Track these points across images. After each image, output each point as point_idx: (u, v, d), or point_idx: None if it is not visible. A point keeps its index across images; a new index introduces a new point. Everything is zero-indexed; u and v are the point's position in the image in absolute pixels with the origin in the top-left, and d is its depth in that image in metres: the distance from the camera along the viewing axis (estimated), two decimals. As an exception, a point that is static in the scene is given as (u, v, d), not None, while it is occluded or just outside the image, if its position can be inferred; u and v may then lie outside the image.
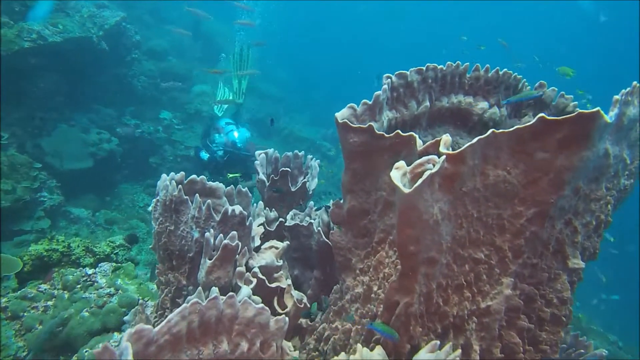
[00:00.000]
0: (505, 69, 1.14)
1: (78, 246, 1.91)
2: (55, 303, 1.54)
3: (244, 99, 3.98)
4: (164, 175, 1.19)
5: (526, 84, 1.18)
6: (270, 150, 1.53)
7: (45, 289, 1.61)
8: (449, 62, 1.12)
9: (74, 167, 4.44)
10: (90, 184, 4.67)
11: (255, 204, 1.42)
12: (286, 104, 10.07)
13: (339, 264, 1.14)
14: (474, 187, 0.86)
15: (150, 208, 1.21)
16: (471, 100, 1.16)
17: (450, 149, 0.83)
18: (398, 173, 0.80)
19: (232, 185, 1.39)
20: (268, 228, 1.37)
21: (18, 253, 3.07)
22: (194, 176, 1.24)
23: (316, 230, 1.29)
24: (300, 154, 1.57)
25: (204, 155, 3.51)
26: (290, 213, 1.42)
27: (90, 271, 1.69)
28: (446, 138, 0.84)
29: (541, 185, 0.85)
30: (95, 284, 1.64)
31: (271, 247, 1.27)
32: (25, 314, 1.50)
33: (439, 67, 1.11)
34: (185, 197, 1.13)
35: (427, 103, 1.12)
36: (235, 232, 1.07)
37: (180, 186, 1.12)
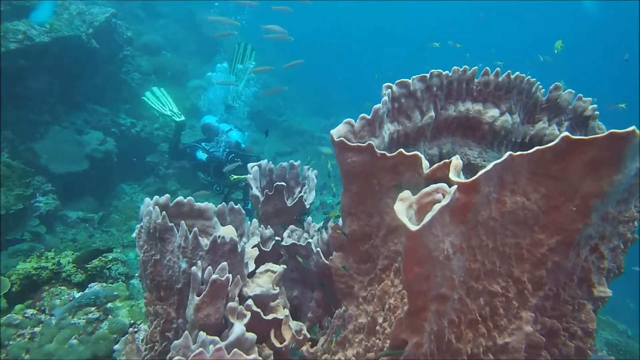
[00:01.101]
0: (517, 72, 1.03)
1: (69, 262, 1.83)
2: (42, 330, 1.46)
3: (238, 102, 3.88)
4: (147, 200, 1.10)
5: (540, 87, 1.07)
6: (264, 162, 1.43)
7: (31, 315, 1.53)
8: (455, 67, 1.01)
9: (70, 169, 4.35)
10: (86, 186, 4.58)
11: (249, 221, 1.32)
12: (285, 94, 9.91)
13: (341, 291, 1.05)
14: (489, 215, 0.76)
15: (133, 235, 1.12)
16: (480, 107, 1.05)
17: (462, 174, 0.73)
18: (403, 206, 0.71)
19: (223, 203, 1.30)
20: (263, 248, 1.27)
21: (12, 263, 3.00)
22: (180, 198, 1.14)
23: (315, 251, 1.19)
24: (296, 164, 1.47)
25: (202, 155, 3.41)
26: (287, 230, 1.33)
27: (78, 295, 1.61)
28: (456, 162, 0.74)
29: (565, 211, 0.75)
30: (85, 308, 1.56)
31: (267, 270, 1.18)
32: (10, 342, 1.42)
33: (444, 73, 1.00)
34: (171, 224, 1.03)
35: (432, 113, 1.02)
36: (225, 264, 0.98)
37: (164, 213, 1.03)
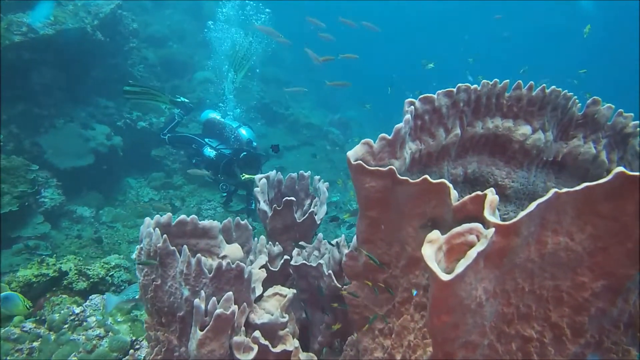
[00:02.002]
0: (553, 87, 0.93)
1: (70, 269, 1.77)
2: (41, 346, 1.41)
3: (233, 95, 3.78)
4: (147, 220, 1.02)
5: (577, 102, 0.97)
6: (272, 173, 1.35)
7: (30, 329, 1.48)
8: (484, 81, 0.91)
9: (75, 164, 4.30)
10: (92, 181, 4.54)
11: (256, 238, 1.25)
12: (291, 86, 9.78)
13: (355, 322, 0.98)
14: (526, 257, 0.68)
15: (133, 256, 1.04)
16: (510, 124, 0.96)
17: (498, 214, 0.64)
18: (432, 249, 0.62)
19: (229, 218, 1.22)
20: (271, 268, 1.20)
21: (17, 262, 2.97)
22: (183, 217, 1.07)
23: (327, 273, 1.12)
24: (306, 174, 1.39)
25: (209, 152, 3.30)
26: (297, 248, 1.25)
27: (78, 310, 1.55)
28: (492, 198, 0.65)
29: (614, 255, 0.66)
30: (85, 323, 1.50)
31: (275, 294, 1.11)
32: (8, 357, 1.37)
33: (473, 87, 0.91)
34: (172, 248, 0.96)
35: (458, 131, 0.93)
36: (230, 294, 0.90)
37: (165, 236, 0.95)
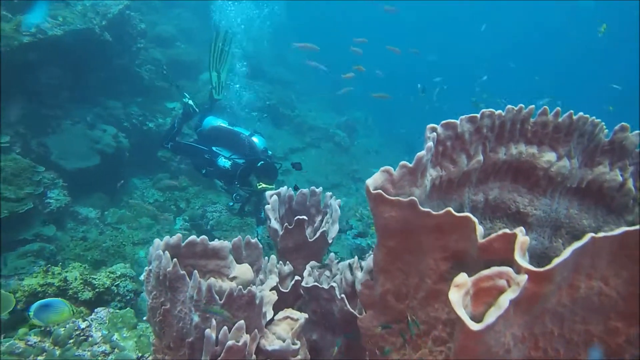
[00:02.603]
0: (580, 113, 0.90)
1: (75, 279, 1.75)
2: (46, 361, 1.39)
3: (223, 94, 3.66)
4: (156, 241, 0.99)
5: (604, 128, 0.94)
6: (283, 189, 1.32)
7: (35, 342, 1.45)
8: (509, 106, 0.88)
9: (81, 165, 4.29)
10: (98, 182, 4.53)
11: (266, 257, 1.22)
12: (297, 87, 9.75)
13: (369, 352, 0.94)
14: (557, 301, 0.64)
15: (142, 277, 1.02)
16: (535, 150, 0.92)
17: (528, 253, 0.61)
18: (459, 294, 0.59)
19: (239, 237, 1.19)
20: (282, 289, 1.17)
21: (21, 264, 2.96)
22: (193, 237, 1.04)
23: (339, 297, 1.09)
24: (317, 190, 1.36)
25: (224, 162, 3.17)
26: (308, 267, 1.22)
27: (83, 324, 1.53)
28: (523, 239, 0.62)
29: (652, 301, 0.63)
30: (90, 338, 1.47)
31: (286, 317, 1.08)
32: (13, 372, 1.35)
33: (497, 112, 0.87)
34: (182, 272, 0.93)
35: (480, 157, 0.89)
36: (242, 323, 0.87)
37: (175, 260, 0.92)
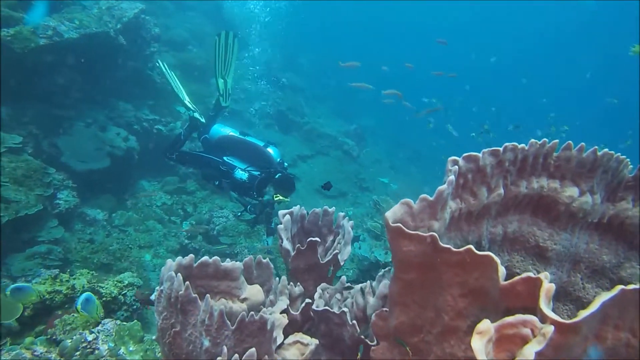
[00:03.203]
0: (605, 149, 0.88)
1: (83, 287, 1.75)
2: (52, 373, 1.38)
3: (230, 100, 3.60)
4: (169, 262, 0.99)
5: (629, 164, 0.92)
6: (296, 209, 1.31)
7: (41, 353, 1.45)
8: (532, 140, 0.86)
9: (91, 167, 4.32)
10: (107, 184, 4.55)
11: (277, 278, 1.21)
12: (307, 93, 9.77)
13: (381, 384, 0.93)
14: (583, 350, 0.63)
15: (153, 297, 1.01)
16: (557, 185, 0.90)
17: (552, 305, 0.59)
18: (481, 342, 0.57)
19: (250, 256, 1.18)
20: (292, 312, 1.16)
21: (29, 266, 2.97)
22: (205, 259, 1.03)
23: (350, 323, 1.07)
24: (330, 210, 1.35)
25: (242, 174, 3.09)
26: (319, 289, 1.21)
27: (90, 337, 1.52)
28: (548, 287, 0.60)
29: (681, 356, 0.61)
30: (97, 351, 1.47)
31: (296, 342, 1.06)
32: (19, 383, 1.35)
33: (520, 146, 0.86)
34: (194, 296, 0.92)
35: (501, 190, 0.87)
36: (253, 352, 0.86)
37: (187, 283, 0.91)
